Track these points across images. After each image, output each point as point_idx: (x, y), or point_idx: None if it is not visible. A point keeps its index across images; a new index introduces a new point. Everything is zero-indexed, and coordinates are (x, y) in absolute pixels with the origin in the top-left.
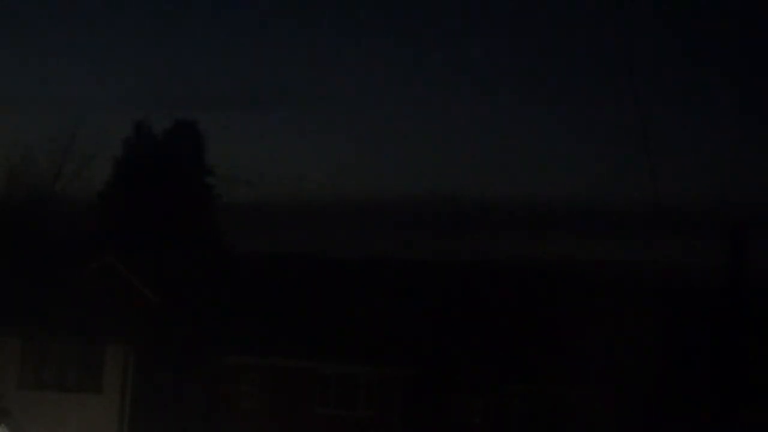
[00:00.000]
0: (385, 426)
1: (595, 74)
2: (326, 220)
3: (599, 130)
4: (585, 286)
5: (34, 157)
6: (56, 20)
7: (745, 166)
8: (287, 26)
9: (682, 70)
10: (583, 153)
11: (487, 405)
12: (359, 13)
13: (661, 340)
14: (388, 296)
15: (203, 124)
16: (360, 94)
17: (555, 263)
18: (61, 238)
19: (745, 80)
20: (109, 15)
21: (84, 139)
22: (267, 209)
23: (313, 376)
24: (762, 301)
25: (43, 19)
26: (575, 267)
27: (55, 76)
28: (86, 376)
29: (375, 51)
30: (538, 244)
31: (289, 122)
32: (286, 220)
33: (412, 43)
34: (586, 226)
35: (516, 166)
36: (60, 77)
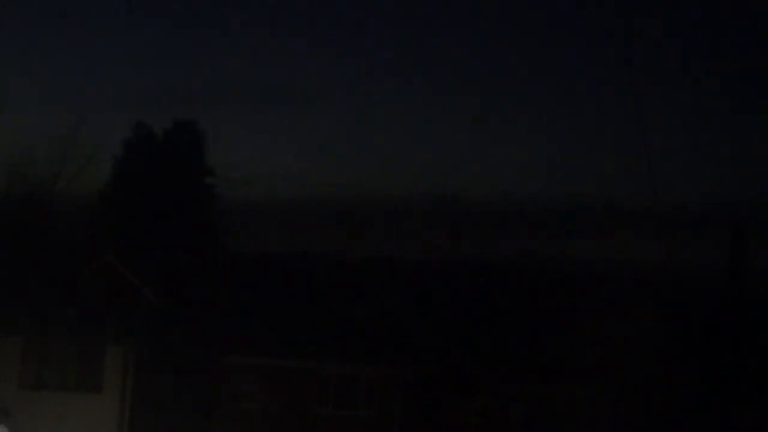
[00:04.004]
0: (385, 426)
1: (596, 74)
2: (326, 220)
3: (599, 130)
4: (585, 286)
5: (34, 157)
6: (56, 20)
7: (745, 166)
8: (287, 26)
9: (682, 71)
10: (583, 153)
11: (486, 405)
12: (360, 13)
13: (661, 340)
14: (388, 296)
15: (203, 124)
16: (360, 94)
17: (555, 263)
18: (61, 238)
19: (745, 80)
20: (110, 15)
21: (84, 139)
22: (267, 209)
23: (313, 376)
24: (762, 300)
25: (43, 19)
26: (575, 267)
27: (55, 76)
28: (86, 376)
29: (376, 51)
30: (538, 244)
31: (288, 122)
32: (286, 220)
33: (412, 44)
34: (587, 226)
35: (516, 166)
36: (60, 77)
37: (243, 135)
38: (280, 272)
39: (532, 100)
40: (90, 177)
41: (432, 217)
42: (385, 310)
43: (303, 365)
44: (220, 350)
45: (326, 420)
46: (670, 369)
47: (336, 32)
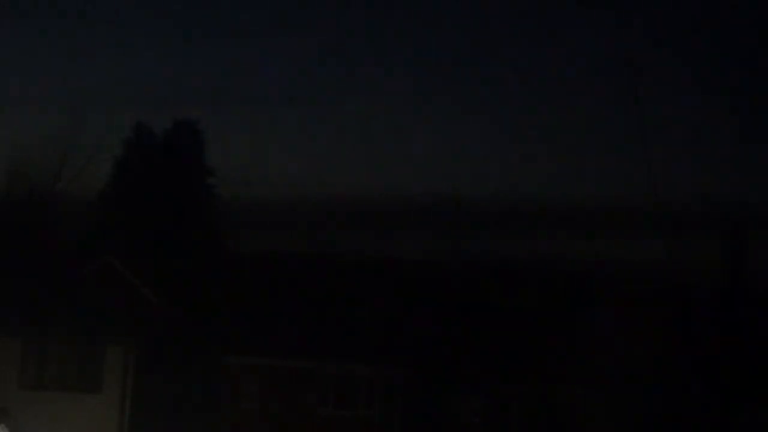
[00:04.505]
0: (385, 426)
1: (595, 74)
2: (327, 220)
3: (599, 129)
4: (585, 286)
5: (34, 157)
6: (56, 20)
7: (744, 166)
8: (288, 26)
9: (682, 70)
10: (583, 153)
11: (487, 405)
12: (360, 12)
13: (661, 340)
14: (388, 296)
15: (203, 124)
16: (360, 94)
17: (555, 263)
18: (61, 238)
19: (745, 80)
20: (110, 15)
21: (84, 139)
22: (267, 209)
23: (313, 376)
24: (762, 301)
25: (43, 19)
26: (575, 267)
27: (55, 76)
28: (86, 376)
29: (376, 51)
30: (538, 244)
31: (289, 122)
32: (286, 220)
33: (412, 43)
34: (586, 226)
35: (516, 166)
36: (60, 77)
37: (243, 135)
38: (280, 272)
39: (532, 99)
40: (90, 177)
41: (432, 217)
42: (384, 310)
43: (303, 365)
44: (220, 350)
45: (326, 420)
46: (669, 369)
47: (337, 33)
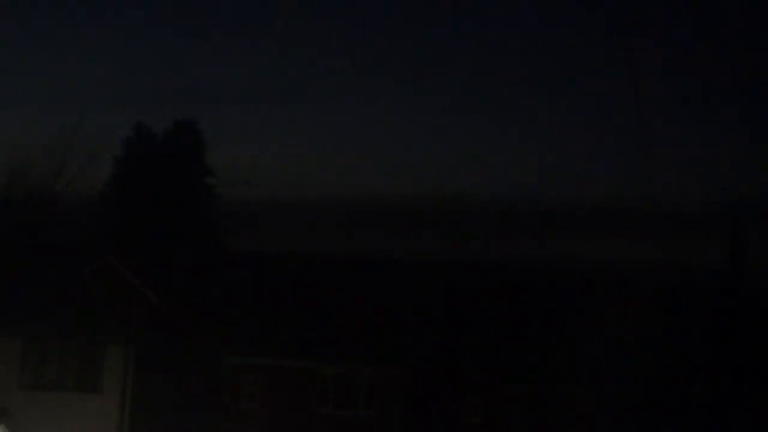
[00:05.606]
0: (385, 426)
1: (596, 74)
2: (326, 220)
3: (599, 130)
4: (585, 286)
5: (34, 157)
6: (56, 20)
7: (745, 165)
8: (288, 25)
9: (682, 70)
10: (583, 153)
11: (487, 405)
12: (360, 12)
13: (661, 340)
14: (388, 296)
15: (203, 124)
16: (360, 94)
17: (555, 263)
18: (61, 238)
19: (745, 80)
20: (110, 15)
21: (84, 139)
22: (267, 209)
23: (313, 376)
24: (761, 300)
25: (43, 19)
26: (575, 267)
27: (55, 76)
28: (86, 376)
29: (375, 50)
30: (538, 244)
31: (289, 122)
32: (286, 220)
33: (412, 43)
34: (587, 226)
35: (516, 166)
36: (60, 77)
37: (243, 135)
38: (279, 272)
39: (532, 99)
40: (90, 177)
41: (432, 217)
42: (385, 310)
43: (303, 365)
44: (220, 350)
45: (326, 420)
46: (670, 368)
47: (336, 32)
